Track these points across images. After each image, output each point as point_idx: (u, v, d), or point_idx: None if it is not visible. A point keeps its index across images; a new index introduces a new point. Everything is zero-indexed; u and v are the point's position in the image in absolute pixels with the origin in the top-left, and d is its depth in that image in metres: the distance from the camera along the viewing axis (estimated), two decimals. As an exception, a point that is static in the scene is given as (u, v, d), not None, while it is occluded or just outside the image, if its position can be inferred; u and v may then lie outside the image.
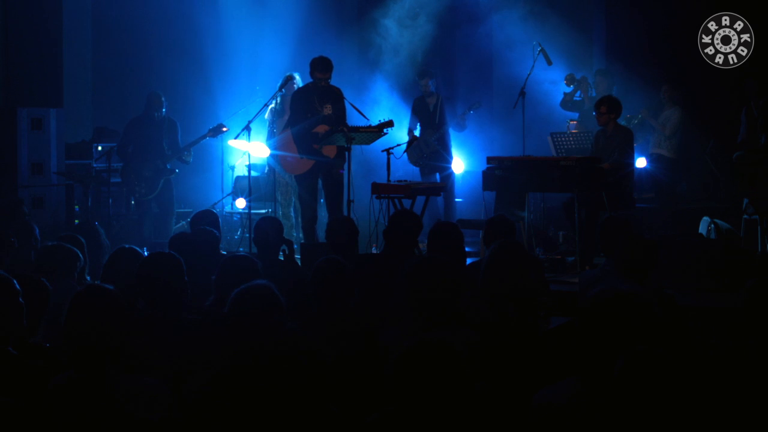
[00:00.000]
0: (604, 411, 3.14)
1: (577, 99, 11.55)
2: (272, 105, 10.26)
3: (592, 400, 3.25)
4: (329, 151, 8.99)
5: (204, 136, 10.06)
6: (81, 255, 5.73)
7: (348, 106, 9.11)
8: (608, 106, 8.93)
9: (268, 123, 10.37)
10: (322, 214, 9.52)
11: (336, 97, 9.08)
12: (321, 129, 8.99)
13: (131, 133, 10.13)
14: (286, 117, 9.65)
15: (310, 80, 9.12)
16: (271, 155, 9.72)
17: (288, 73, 10.21)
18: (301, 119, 9.07)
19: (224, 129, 10.08)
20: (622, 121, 10.35)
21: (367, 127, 8.91)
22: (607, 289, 3.49)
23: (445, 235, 6.03)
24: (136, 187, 10.06)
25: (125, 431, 3.45)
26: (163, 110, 10.06)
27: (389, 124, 8.79)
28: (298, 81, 9.97)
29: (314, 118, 8.99)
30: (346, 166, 8.94)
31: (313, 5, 12.38)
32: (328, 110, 9.00)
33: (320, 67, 8.97)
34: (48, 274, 4.82)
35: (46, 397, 3.54)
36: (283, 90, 10.00)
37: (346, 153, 8.86)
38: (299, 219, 9.82)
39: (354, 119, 9.23)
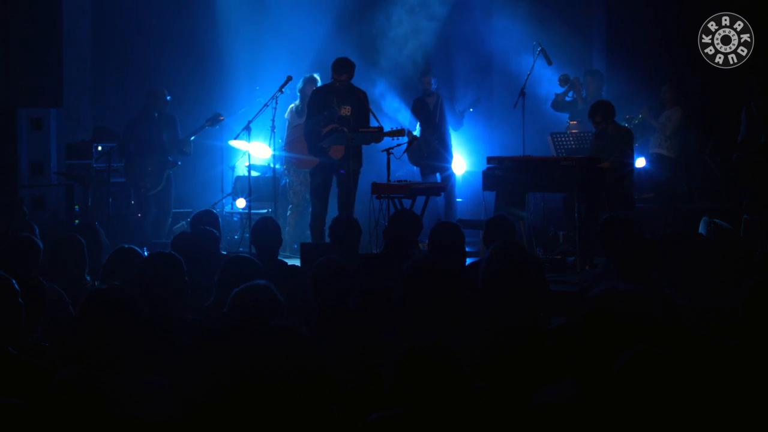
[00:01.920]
0: (604, 411, 3.14)
1: (569, 99, 11.53)
2: (292, 105, 10.27)
3: (592, 400, 3.25)
4: (336, 151, 8.97)
5: (202, 126, 10.12)
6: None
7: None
8: (602, 114, 8.92)
9: (287, 123, 10.32)
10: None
11: (357, 99, 9.01)
12: (328, 129, 8.99)
13: (132, 131, 10.17)
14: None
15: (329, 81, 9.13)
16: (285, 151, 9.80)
17: (308, 74, 10.21)
18: (314, 117, 9.08)
19: (221, 118, 10.13)
20: (622, 122, 10.35)
21: (366, 128, 8.91)
22: (607, 289, 3.49)
23: (446, 235, 6.03)
24: (141, 182, 10.10)
25: (131, 430, 3.46)
26: (166, 105, 10.12)
27: (400, 132, 8.85)
28: (318, 82, 9.97)
29: (323, 115, 8.96)
30: (347, 166, 8.95)
31: (314, 4, 12.36)
32: (346, 111, 8.96)
33: (336, 68, 8.93)
34: (46, 274, 4.82)
35: (50, 390, 3.55)
36: (284, 90, 9.97)
37: (351, 154, 8.85)
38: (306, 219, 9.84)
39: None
